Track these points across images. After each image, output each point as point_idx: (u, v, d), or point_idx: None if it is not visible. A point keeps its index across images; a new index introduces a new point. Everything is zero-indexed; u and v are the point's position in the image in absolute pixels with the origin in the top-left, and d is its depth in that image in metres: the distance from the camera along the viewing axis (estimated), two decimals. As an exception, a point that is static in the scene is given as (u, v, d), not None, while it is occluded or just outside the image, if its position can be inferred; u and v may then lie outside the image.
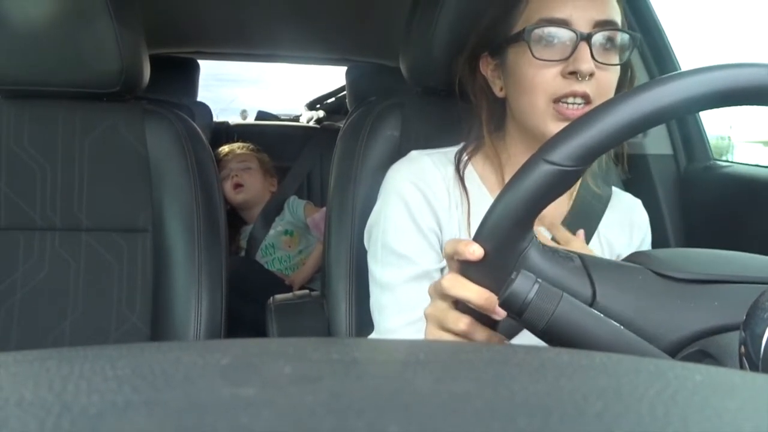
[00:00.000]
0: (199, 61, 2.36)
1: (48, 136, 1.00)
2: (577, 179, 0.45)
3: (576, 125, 0.44)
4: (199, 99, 2.37)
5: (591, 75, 0.72)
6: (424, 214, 0.81)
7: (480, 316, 0.51)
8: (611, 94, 0.76)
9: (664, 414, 0.15)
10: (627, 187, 1.06)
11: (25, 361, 0.20)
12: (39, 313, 0.97)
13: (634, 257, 0.51)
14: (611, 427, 0.15)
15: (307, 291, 1.15)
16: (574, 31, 0.72)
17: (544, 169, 0.44)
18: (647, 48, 1.23)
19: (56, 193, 0.99)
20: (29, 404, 0.16)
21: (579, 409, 0.16)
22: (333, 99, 2.59)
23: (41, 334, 0.97)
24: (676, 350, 0.46)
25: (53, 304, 0.97)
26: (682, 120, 1.24)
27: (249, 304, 1.34)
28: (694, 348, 0.45)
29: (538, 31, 0.74)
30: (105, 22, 0.93)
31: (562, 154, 0.44)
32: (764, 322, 0.35)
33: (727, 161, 1.21)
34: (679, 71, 0.44)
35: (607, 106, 0.44)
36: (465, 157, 0.85)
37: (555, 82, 0.73)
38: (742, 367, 0.36)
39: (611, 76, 0.75)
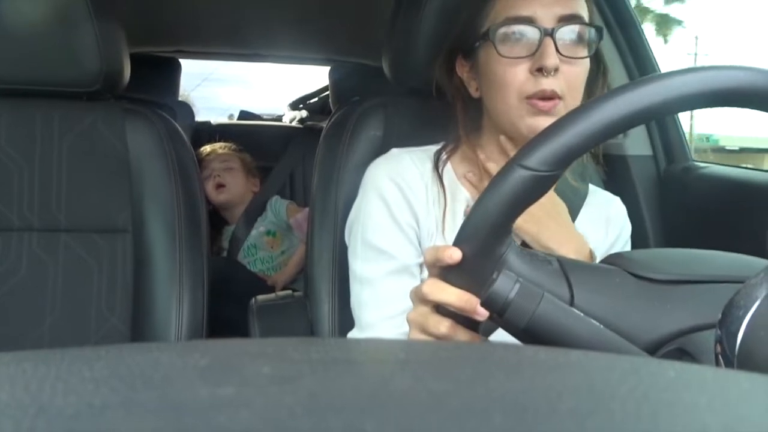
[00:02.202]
0: (182, 61, 2.34)
1: (26, 135, 0.99)
2: (554, 183, 0.46)
3: (550, 130, 0.45)
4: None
5: (556, 70, 0.73)
6: (402, 209, 0.82)
7: (461, 318, 0.52)
8: (581, 87, 0.77)
9: (635, 410, 0.16)
10: (607, 187, 1.07)
11: (1, 363, 0.20)
12: (17, 315, 0.96)
13: (612, 259, 0.51)
14: (583, 423, 0.15)
15: (289, 291, 1.14)
16: (538, 28, 0.74)
17: (520, 175, 0.45)
18: (624, 42, 1.24)
19: (34, 193, 0.98)
20: (5, 405, 0.16)
21: (553, 406, 0.16)
22: (316, 99, 2.59)
23: (19, 336, 0.95)
24: (653, 350, 0.46)
25: (31, 305, 0.96)
26: (661, 121, 1.25)
27: (231, 305, 1.33)
28: (672, 346, 0.46)
29: (502, 30, 0.75)
30: (84, 19, 0.92)
31: (538, 159, 0.44)
32: (739, 320, 0.36)
33: (705, 162, 1.22)
34: (654, 74, 0.45)
35: (581, 110, 0.45)
36: (444, 156, 0.86)
37: (524, 79, 0.74)
38: (718, 365, 0.37)
39: (579, 70, 0.76)
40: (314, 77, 2.64)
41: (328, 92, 2.38)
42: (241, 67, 3.22)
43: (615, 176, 1.22)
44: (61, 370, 0.19)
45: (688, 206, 1.17)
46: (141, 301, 0.98)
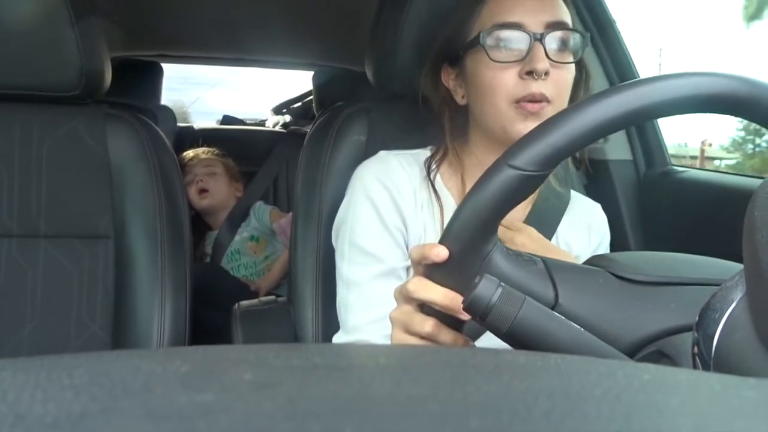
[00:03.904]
0: (164, 64, 2.33)
1: (5, 140, 0.97)
2: (540, 183, 0.46)
3: (539, 130, 0.45)
4: (164, 101, 2.34)
5: (547, 74, 0.74)
6: (390, 212, 0.82)
7: (445, 318, 0.52)
8: (568, 92, 0.79)
9: (609, 412, 0.16)
10: (588, 191, 1.09)
11: (-21, 371, 0.20)
12: None
13: (595, 260, 0.52)
14: (558, 426, 0.15)
15: (273, 297, 1.14)
16: (528, 33, 0.75)
17: (507, 174, 0.45)
18: (603, 47, 1.26)
19: (13, 198, 0.96)
20: (-18, 415, 0.16)
21: (528, 409, 0.16)
22: (299, 104, 2.58)
23: (-2, 343, 0.94)
24: (634, 351, 0.47)
25: (10, 312, 0.95)
26: (641, 126, 1.27)
27: (214, 311, 1.33)
28: (652, 349, 0.46)
29: (493, 35, 0.76)
30: (65, 23, 0.91)
31: (525, 158, 0.45)
32: (715, 322, 0.36)
33: (684, 167, 1.24)
34: (639, 78, 0.46)
35: (569, 111, 0.45)
36: (434, 165, 0.86)
37: (514, 83, 0.76)
38: (695, 366, 0.37)
39: (567, 75, 0.78)
40: (297, 82, 2.64)
41: (311, 97, 2.38)
42: (229, 71, 3.20)
43: (595, 180, 1.23)
44: (39, 377, 0.19)
45: (667, 210, 1.18)
46: (122, 308, 0.97)
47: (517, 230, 0.78)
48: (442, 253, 0.48)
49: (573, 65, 0.78)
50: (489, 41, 0.76)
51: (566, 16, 0.78)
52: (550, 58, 0.75)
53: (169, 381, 0.19)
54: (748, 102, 0.44)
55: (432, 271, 0.50)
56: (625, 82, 0.46)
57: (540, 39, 0.75)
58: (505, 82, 0.76)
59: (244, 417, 0.16)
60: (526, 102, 0.75)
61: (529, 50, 0.75)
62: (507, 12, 0.76)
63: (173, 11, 1.75)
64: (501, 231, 0.79)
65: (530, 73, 0.74)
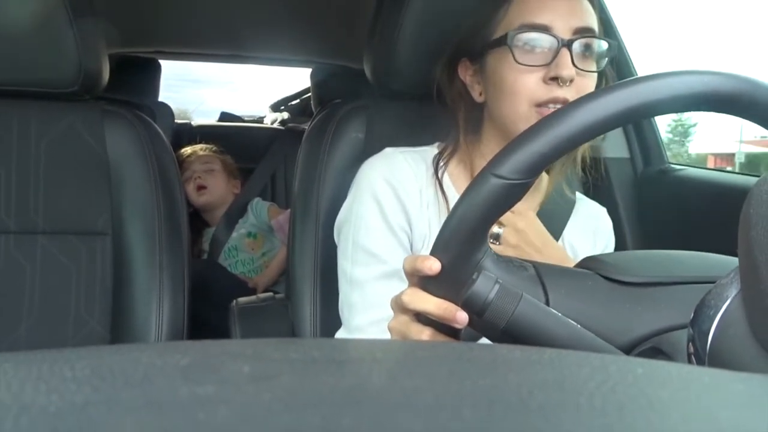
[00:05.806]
0: (164, 62, 2.33)
1: (2, 136, 0.97)
2: (526, 191, 0.47)
3: (520, 139, 0.46)
4: (164, 100, 2.34)
5: (571, 81, 0.73)
6: (395, 211, 0.81)
7: (441, 326, 0.52)
8: None
9: (602, 404, 0.16)
10: (586, 190, 1.09)
11: (-19, 364, 0.20)
12: None
13: (586, 262, 0.52)
14: (551, 418, 0.16)
15: (271, 294, 1.14)
16: (556, 37, 0.74)
17: (492, 183, 0.46)
18: None
19: (11, 195, 0.97)
20: (-14, 406, 0.16)
21: (523, 401, 0.16)
22: (297, 101, 2.58)
23: (-4, 339, 0.94)
24: (628, 351, 0.47)
25: (8, 309, 0.95)
26: (638, 125, 1.27)
27: (211, 308, 1.33)
28: (647, 345, 0.46)
29: (520, 36, 0.75)
30: (63, 19, 0.91)
31: (509, 168, 0.45)
32: (710, 319, 0.36)
33: (681, 165, 1.25)
34: (618, 82, 0.46)
35: (551, 117, 0.45)
36: (442, 163, 0.85)
37: (536, 87, 0.74)
38: (690, 363, 0.38)
39: (590, 83, 0.76)
40: (295, 79, 2.64)
41: (309, 94, 2.38)
42: (228, 68, 3.20)
43: (594, 178, 1.23)
44: (42, 370, 0.19)
45: (664, 207, 1.19)
46: (121, 305, 0.98)
47: (521, 215, 0.77)
48: (434, 266, 0.48)
49: (596, 73, 0.77)
50: (516, 42, 0.75)
51: (594, 22, 0.77)
52: (576, 65, 0.74)
53: (169, 373, 0.19)
54: (738, 100, 0.45)
55: (425, 282, 0.51)
56: (608, 85, 0.46)
57: (568, 45, 0.73)
58: (529, 85, 0.75)
59: (243, 408, 0.16)
60: (547, 106, 0.74)
61: (556, 55, 0.73)
62: (536, 12, 0.75)
63: (171, 8, 1.75)
64: (506, 214, 0.78)
65: (555, 78, 0.73)
